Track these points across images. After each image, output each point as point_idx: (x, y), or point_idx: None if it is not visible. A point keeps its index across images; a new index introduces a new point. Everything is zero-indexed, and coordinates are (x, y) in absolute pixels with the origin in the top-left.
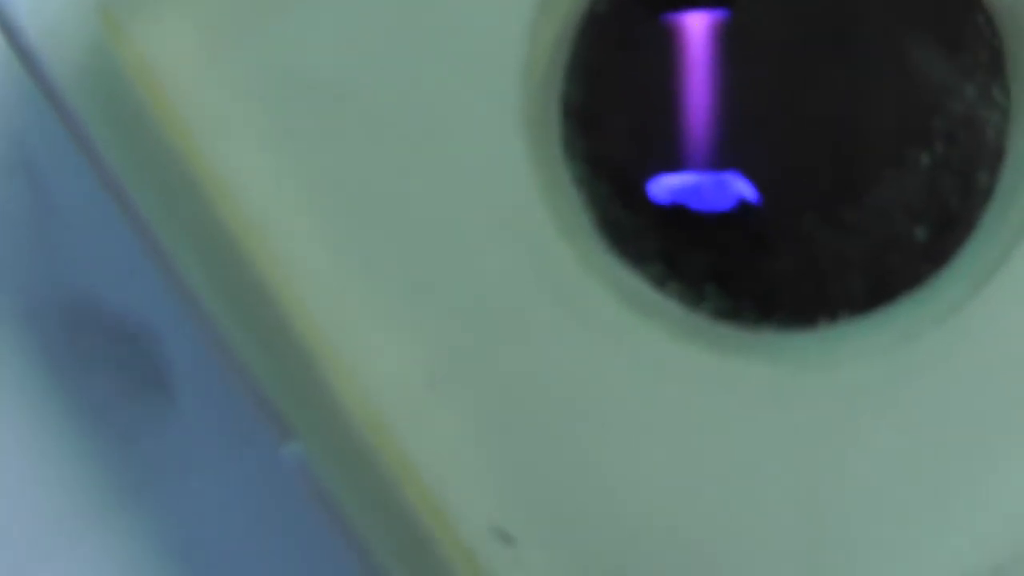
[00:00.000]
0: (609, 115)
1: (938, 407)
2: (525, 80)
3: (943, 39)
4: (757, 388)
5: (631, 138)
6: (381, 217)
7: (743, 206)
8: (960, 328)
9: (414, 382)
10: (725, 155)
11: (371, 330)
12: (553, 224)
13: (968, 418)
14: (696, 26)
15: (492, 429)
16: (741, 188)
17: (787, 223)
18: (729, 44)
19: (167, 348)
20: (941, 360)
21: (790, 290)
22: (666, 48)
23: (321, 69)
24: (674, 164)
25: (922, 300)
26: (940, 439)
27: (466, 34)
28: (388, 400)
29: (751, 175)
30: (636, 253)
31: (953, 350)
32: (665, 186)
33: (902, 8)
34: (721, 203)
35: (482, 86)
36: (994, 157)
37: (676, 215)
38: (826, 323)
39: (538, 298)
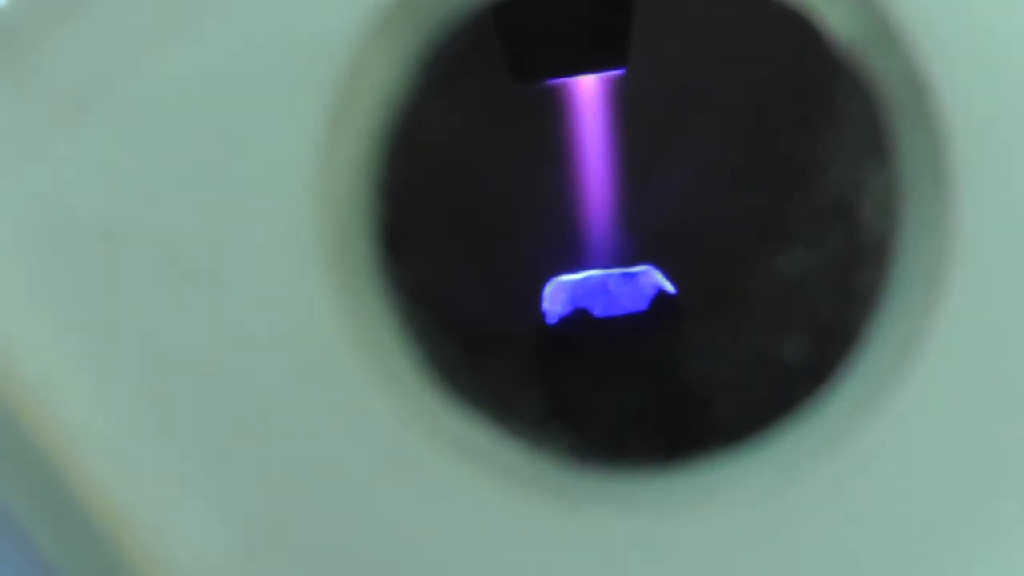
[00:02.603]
0: (425, 238)
1: (823, 557)
2: (322, 206)
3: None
4: (609, 543)
5: (452, 263)
6: (172, 374)
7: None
8: (846, 461)
9: (228, 558)
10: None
11: (174, 504)
12: (367, 370)
13: (859, 568)
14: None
15: None
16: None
17: (643, 348)
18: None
19: None
20: (824, 501)
21: (643, 427)
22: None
23: (89, 211)
24: (515, 288)
25: (800, 429)
26: None
27: (247, 157)
28: None
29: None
30: (466, 393)
31: (838, 487)
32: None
33: (766, 77)
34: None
35: (270, 216)
36: (875, 255)
37: (515, 347)
38: (686, 464)
39: (356, 454)
